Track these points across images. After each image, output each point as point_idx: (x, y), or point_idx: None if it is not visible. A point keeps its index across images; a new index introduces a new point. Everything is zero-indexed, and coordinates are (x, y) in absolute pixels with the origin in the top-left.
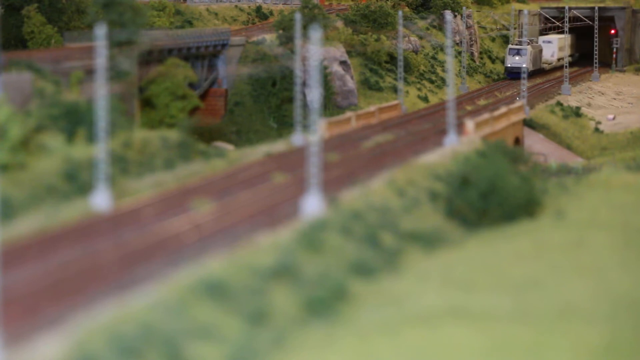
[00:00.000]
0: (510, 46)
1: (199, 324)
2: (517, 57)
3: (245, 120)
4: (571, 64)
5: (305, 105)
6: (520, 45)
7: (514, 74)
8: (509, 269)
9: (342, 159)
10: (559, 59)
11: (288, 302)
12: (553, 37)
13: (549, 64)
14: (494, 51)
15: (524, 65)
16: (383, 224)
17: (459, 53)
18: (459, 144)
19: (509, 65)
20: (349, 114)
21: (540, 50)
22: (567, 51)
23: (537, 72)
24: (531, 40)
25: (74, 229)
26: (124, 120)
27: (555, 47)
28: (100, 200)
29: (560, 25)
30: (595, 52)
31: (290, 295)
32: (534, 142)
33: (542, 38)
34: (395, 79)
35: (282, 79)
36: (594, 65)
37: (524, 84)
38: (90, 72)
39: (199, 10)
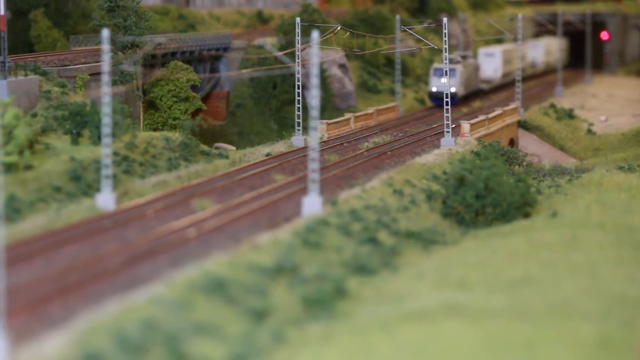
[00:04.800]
0: (435, 65)
1: (200, 322)
2: (443, 79)
3: (247, 121)
4: (565, 67)
5: (305, 107)
6: (450, 62)
7: (440, 101)
8: (504, 267)
9: (341, 160)
10: (504, 75)
11: (288, 299)
12: (496, 48)
13: (489, 82)
14: None
15: (453, 89)
16: (381, 223)
17: None
18: (455, 145)
19: (434, 89)
20: (347, 115)
21: (477, 68)
22: (515, 64)
23: (474, 94)
24: (464, 56)
25: (78, 228)
26: (128, 121)
27: (499, 61)
28: (105, 200)
29: (553, 29)
30: (587, 56)
31: (290, 293)
32: (529, 143)
33: (482, 51)
34: (393, 82)
35: (282, 82)
36: (587, 68)
37: (518, 88)
38: (95, 75)
39: (201, 14)
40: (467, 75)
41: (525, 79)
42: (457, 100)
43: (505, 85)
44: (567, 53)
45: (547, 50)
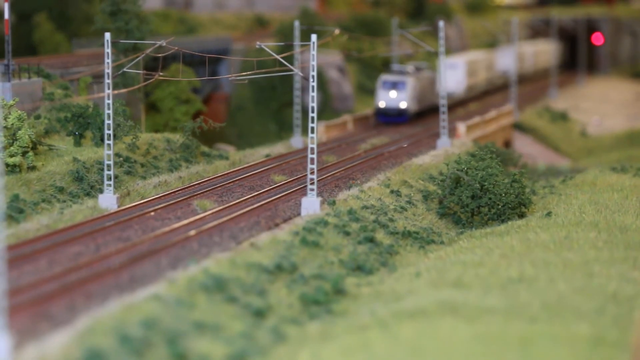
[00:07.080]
0: (383, 77)
1: (201, 320)
2: (392, 93)
3: (246, 123)
4: (559, 69)
5: (304, 109)
6: (400, 74)
7: (389, 117)
8: (500, 266)
9: (339, 161)
10: (469, 88)
11: (287, 298)
12: (459, 59)
13: (450, 97)
14: None
15: (404, 105)
16: (378, 223)
17: None
18: (451, 146)
19: (382, 104)
20: (345, 117)
21: (433, 81)
22: (484, 74)
23: (430, 110)
24: (418, 68)
25: (81, 228)
26: (130, 123)
27: (462, 72)
28: (107, 200)
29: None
30: (581, 59)
31: (289, 292)
32: (523, 145)
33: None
34: None
35: (281, 84)
36: (581, 71)
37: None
38: (97, 77)
39: (201, 18)
40: (420, 89)
41: (493, 91)
42: (407, 118)
43: (471, 99)
44: (559, 56)
45: (521, 58)
